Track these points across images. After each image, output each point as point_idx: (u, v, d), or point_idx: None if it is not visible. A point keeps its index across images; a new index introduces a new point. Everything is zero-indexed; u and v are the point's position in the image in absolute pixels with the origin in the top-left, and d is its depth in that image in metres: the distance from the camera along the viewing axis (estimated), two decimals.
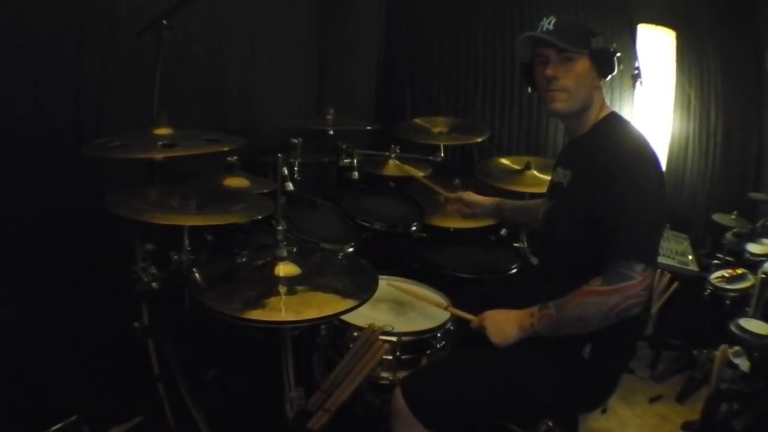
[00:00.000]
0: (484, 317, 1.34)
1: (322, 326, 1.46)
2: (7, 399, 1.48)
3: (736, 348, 1.80)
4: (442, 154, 2.40)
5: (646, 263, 1.18)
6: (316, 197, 2.03)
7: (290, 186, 1.73)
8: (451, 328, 1.46)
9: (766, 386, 1.73)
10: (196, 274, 1.26)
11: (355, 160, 2.15)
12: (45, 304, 1.58)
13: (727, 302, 2.13)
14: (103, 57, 1.70)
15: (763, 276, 2.03)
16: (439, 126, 2.60)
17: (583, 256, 1.29)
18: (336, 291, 1.23)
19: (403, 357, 1.37)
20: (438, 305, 1.47)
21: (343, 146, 2.20)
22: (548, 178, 1.56)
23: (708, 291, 2.18)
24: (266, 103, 2.38)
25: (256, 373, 1.81)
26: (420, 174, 2.15)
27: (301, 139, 2.00)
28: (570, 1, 2.75)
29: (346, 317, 1.32)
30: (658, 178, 1.26)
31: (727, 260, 2.38)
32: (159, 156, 1.44)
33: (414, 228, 2.06)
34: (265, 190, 1.74)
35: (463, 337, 1.46)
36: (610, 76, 1.34)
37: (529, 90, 1.44)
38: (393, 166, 2.36)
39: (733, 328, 1.80)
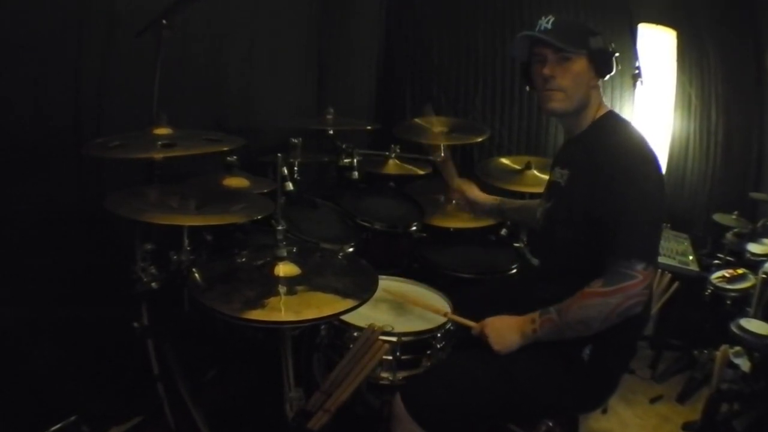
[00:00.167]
0: (485, 324, 1.33)
1: (322, 326, 1.45)
2: (7, 399, 1.48)
3: (737, 348, 1.79)
4: (442, 154, 2.40)
5: (647, 262, 1.17)
6: (316, 197, 2.02)
7: (290, 186, 1.72)
8: (452, 328, 1.46)
9: (766, 386, 1.73)
10: (196, 274, 1.26)
11: (355, 160, 2.15)
12: (44, 304, 1.58)
13: (728, 302, 2.13)
14: (102, 57, 1.70)
15: (764, 276, 2.03)
16: (439, 125, 2.60)
17: (582, 256, 1.28)
18: (336, 291, 1.22)
19: (403, 357, 1.37)
20: (437, 312, 1.47)
21: (343, 146, 2.19)
22: (548, 177, 1.56)
23: (709, 291, 2.18)
24: (266, 103, 2.38)
25: (256, 373, 1.80)
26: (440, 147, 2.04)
27: (300, 138, 2.00)
28: (570, 1, 2.74)
29: (346, 317, 1.32)
30: (658, 178, 1.25)
31: (728, 260, 2.38)
32: (158, 156, 1.44)
33: (414, 228, 2.05)
34: (265, 190, 1.74)
35: (463, 337, 1.46)
36: (608, 76, 1.34)
37: (528, 89, 1.44)
38: (393, 166, 2.36)
39: (733, 328, 1.80)
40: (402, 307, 1.54)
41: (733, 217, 2.57)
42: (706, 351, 2.14)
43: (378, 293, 1.30)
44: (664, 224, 2.10)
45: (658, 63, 2.79)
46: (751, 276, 2.14)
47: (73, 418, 1.51)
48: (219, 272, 1.28)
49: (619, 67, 1.34)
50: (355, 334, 1.37)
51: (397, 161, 2.37)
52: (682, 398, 2.16)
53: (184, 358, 1.57)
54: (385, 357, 1.33)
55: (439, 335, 1.42)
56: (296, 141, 1.98)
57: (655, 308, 2.20)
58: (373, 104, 3.06)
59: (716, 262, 2.39)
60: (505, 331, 1.30)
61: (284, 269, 1.26)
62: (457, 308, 1.49)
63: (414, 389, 1.27)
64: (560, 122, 1.44)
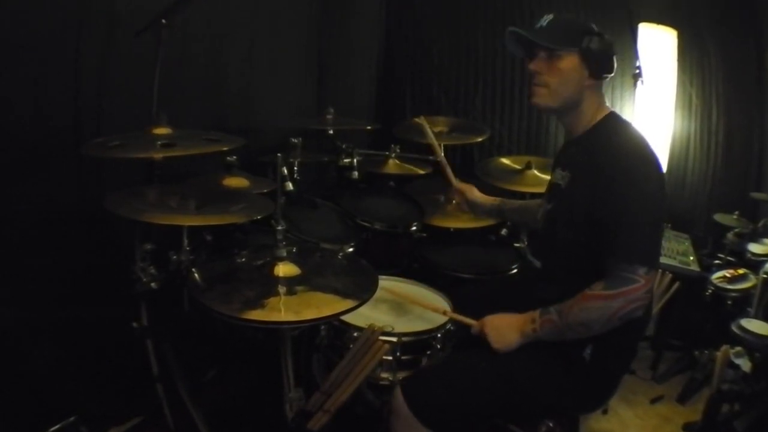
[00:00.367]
0: (485, 323, 1.33)
1: (322, 327, 1.45)
2: (6, 399, 1.48)
3: (738, 348, 1.79)
4: (443, 154, 2.39)
5: (649, 266, 1.17)
6: (316, 197, 2.02)
7: (290, 186, 1.72)
8: (452, 328, 1.46)
9: (767, 387, 1.73)
10: (196, 274, 1.26)
11: (355, 160, 2.15)
12: (44, 304, 1.58)
13: (729, 302, 2.12)
14: (102, 57, 1.70)
15: (765, 276, 2.02)
16: (439, 125, 2.60)
17: (583, 257, 1.28)
18: (336, 291, 1.22)
19: (403, 357, 1.37)
20: (436, 311, 1.47)
21: (343, 146, 2.19)
22: (549, 178, 1.56)
23: (709, 291, 2.17)
24: (266, 103, 2.38)
25: (256, 373, 1.80)
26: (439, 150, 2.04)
27: (300, 138, 2.00)
28: (570, 1, 2.75)
29: (345, 317, 1.32)
30: (659, 179, 1.25)
31: (729, 260, 2.37)
32: (158, 156, 1.44)
33: (414, 228, 2.05)
34: (265, 190, 1.74)
35: (464, 337, 1.46)
36: (607, 77, 1.33)
37: None
38: (393, 166, 2.35)
39: (734, 328, 1.79)
40: (402, 308, 1.54)
41: (734, 217, 2.56)
42: (706, 351, 2.13)
43: (378, 293, 1.30)
44: (665, 224, 2.10)
45: (658, 63, 2.79)
46: (751, 276, 2.14)
47: (72, 418, 1.51)
48: (219, 272, 1.28)
49: (617, 68, 1.34)
50: (355, 334, 1.37)
51: (397, 161, 2.37)
52: (683, 399, 2.16)
53: (184, 358, 1.57)
54: (385, 357, 1.33)
55: (439, 335, 1.42)
56: (296, 141, 1.98)
57: (655, 309, 2.20)
58: (373, 104, 3.06)
59: (717, 262, 2.38)
60: (504, 329, 1.30)
61: (284, 269, 1.26)
62: (457, 308, 1.49)
63: (414, 385, 1.26)
64: (560, 122, 1.44)
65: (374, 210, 2.08)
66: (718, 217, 2.58)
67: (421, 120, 1.93)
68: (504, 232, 2.24)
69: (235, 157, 1.81)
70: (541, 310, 1.27)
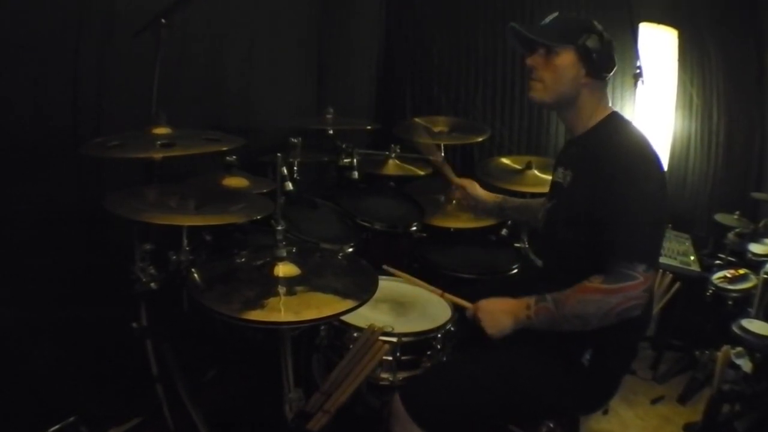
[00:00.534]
0: (479, 307, 1.33)
1: (322, 327, 1.45)
2: (5, 399, 1.48)
3: (739, 349, 1.79)
4: (443, 154, 2.39)
5: (648, 264, 1.17)
6: (316, 197, 2.02)
7: (290, 186, 1.72)
8: (452, 328, 1.46)
9: None
10: (195, 275, 1.26)
11: (354, 160, 2.15)
12: (44, 304, 1.57)
13: (730, 303, 2.12)
14: (102, 56, 1.69)
15: (766, 276, 2.02)
16: (439, 125, 2.60)
17: (583, 256, 1.28)
18: (336, 291, 1.22)
19: (403, 358, 1.36)
20: (433, 292, 1.47)
21: (343, 146, 2.19)
22: (549, 177, 1.56)
23: (710, 291, 2.17)
24: (266, 103, 2.38)
25: (256, 374, 1.80)
26: (438, 154, 2.05)
27: (300, 138, 1.99)
28: (571, 0, 2.74)
29: (345, 318, 1.31)
30: (660, 179, 1.25)
31: (730, 260, 2.37)
32: (158, 156, 1.44)
33: (414, 228, 2.05)
34: (265, 190, 1.74)
35: (464, 337, 1.45)
36: (608, 76, 1.33)
37: None
38: (393, 166, 2.35)
39: (735, 328, 1.79)
40: (402, 308, 1.54)
41: (735, 217, 2.56)
42: (707, 352, 2.12)
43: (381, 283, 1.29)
44: (666, 224, 2.09)
45: (659, 62, 2.79)
46: (752, 276, 2.13)
47: (72, 418, 1.50)
48: (218, 272, 1.28)
49: (618, 68, 1.34)
50: (355, 334, 1.37)
51: (397, 161, 2.37)
52: (684, 399, 2.15)
53: (183, 358, 1.57)
54: (385, 357, 1.33)
55: (439, 336, 1.42)
56: (296, 141, 1.98)
57: (656, 309, 2.20)
58: (373, 104, 3.06)
59: (718, 262, 2.38)
60: (498, 314, 1.30)
61: (284, 269, 1.25)
62: (457, 308, 1.49)
63: (413, 390, 1.26)
64: (560, 119, 1.44)
65: (374, 210, 2.08)
66: (719, 217, 2.57)
67: (420, 121, 1.93)
68: (504, 232, 2.24)
69: (234, 157, 1.81)
70: (537, 297, 1.26)
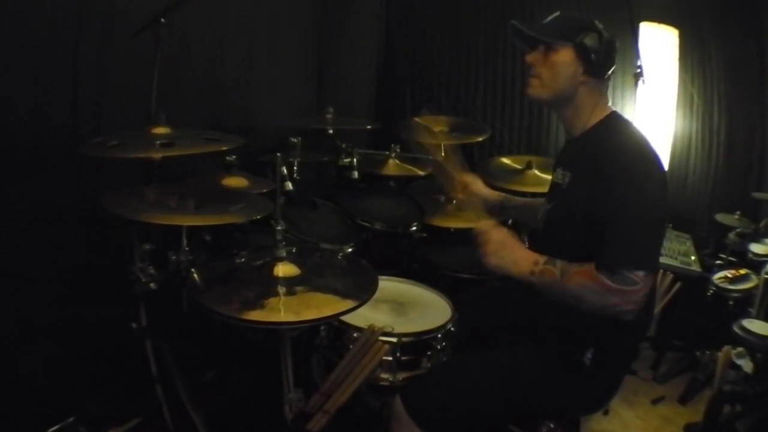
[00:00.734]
0: (491, 231, 1.31)
1: (322, 327, 1.44)
2: (5, 399, 1.47)
3: (739, 349, 1.78)
4: (443, 154, 2.39)
5: (647, 270, 1.15)
6: (316, 197, 2.02)
7: (289, 186, 1.71)
8: (452, 329, 1.45)
9: None
10: (195, 275, 1.26)
11: (354, 160, 2.14)
12: (43, 304, 1.57)
13: (730, 303, 2.11)
14: (101, 56, 1.69)
15: (767, 276, 2.01)
16: (439, 125, 2.59)
17: (582, 257, 1.27)
18: (335, 291, 1.22)
19: (403, 358, 1.36)
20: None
21: (343, 145, 2.18)
22: (549, 177, 1.55)
23: (711, 291, 2.17)
24: (265, 103, 2.38)
25: (255, 374, 1.80)
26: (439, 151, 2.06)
27: (300, 138, 1.99)
28: (572, 0, 2.74)
29: (345, 318, 1.31)
30: (660, 179, 1.24)
31: (730, 260, 2.36)
32: (157, 155, 1.44)
33: (414, 228, 2.04)
34: (264, 190, 1.73)
35: (464, 338, 1.45)
36: (607, 76, 1.33)
37: None
38: (393, 166, 2.35)
39: (736, 329, 1.79)
40: (402, 308, 1.53)
41: (736, 217, 2.55)
42: (708, 352, 2.12)
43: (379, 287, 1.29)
44: (667, 224, 2.09)
45: (660, 62, 2.78)
46: (753, 276, 2.13)
47: (71, 419, 1.50)
48: (218, 272, 1.28)
49: (618, 68, 1.34)
50: (355, 334, 1.36)
51: (397, 161, 2.36)
52: (684, 399, 2.15)
53: (183, 358, 1.57)
54: (384, 358, 1.33)
55: (439, 336, 1.41)
56: (296, 140, 1.97)
57: (657, 309, 2.19)
58: (373, 104, 3.06)
59: (718, 262, 2.37)
60: (503, 251, 1.28)
61: (283, 269, 1.25)
62: (457, 308, 1.49)
63: (414, 390, 1.26)
64: (559, 119, 1.44)
65: (374, 210, 2.07)
66: (720, 217, 2.57)
67: (420, 120, 1.93)
68: None
69: (234, 156, 1.81)
70: (548, 258, 1.24)
